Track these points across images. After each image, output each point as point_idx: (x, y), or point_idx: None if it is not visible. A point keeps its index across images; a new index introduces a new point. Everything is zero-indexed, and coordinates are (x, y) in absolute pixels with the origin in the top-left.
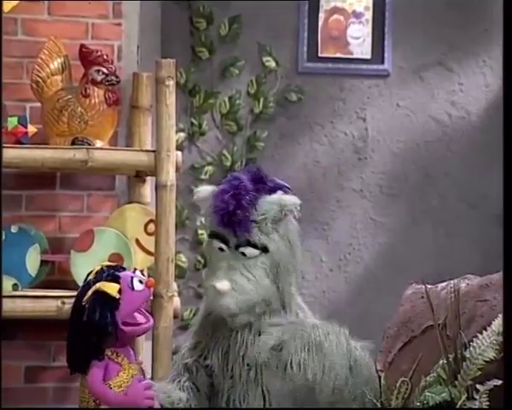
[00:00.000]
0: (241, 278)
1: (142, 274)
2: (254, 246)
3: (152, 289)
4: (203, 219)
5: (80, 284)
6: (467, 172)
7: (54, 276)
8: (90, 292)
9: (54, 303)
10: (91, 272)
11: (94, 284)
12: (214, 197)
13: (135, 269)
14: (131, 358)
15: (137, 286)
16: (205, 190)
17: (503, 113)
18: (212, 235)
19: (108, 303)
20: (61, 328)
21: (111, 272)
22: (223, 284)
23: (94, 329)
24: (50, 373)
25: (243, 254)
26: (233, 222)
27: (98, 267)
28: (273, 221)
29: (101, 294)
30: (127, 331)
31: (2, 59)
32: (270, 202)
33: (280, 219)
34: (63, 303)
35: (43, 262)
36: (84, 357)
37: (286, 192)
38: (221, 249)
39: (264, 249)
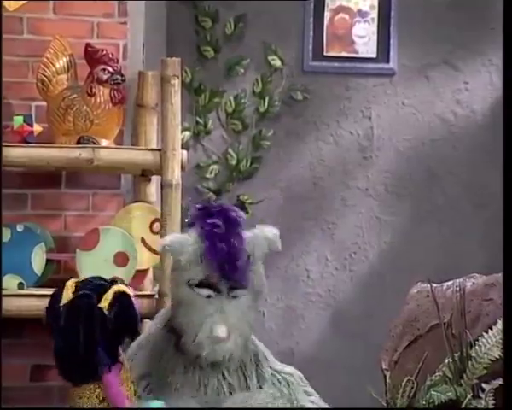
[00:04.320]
0: (238, 322)
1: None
2: (245, 287)
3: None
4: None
5: None
6: (472, 170)
7: (59, 275)
8: (109, 296)
9: None
10: (58, 291)
11: (96, 293)
12: (207, 248)
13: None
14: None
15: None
16: (177, 240)
17: (504, 113)
18: (203, 284)
19: (132, 302)
20: None
21: (110, 280)
22: (223, 331)
23: (123, 330)
24: (56, 372)
25: (234, 297)
26: (233, 269)
27: (73, 284)
28: (260, 258)
29: (124, 296)
30: None
31: (1, 59)
32: (258, 241)
33: (264, 256)
34: None
35: (48, 261)
36: (101, 363)
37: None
38: (208, 296)
39: (246, 287)
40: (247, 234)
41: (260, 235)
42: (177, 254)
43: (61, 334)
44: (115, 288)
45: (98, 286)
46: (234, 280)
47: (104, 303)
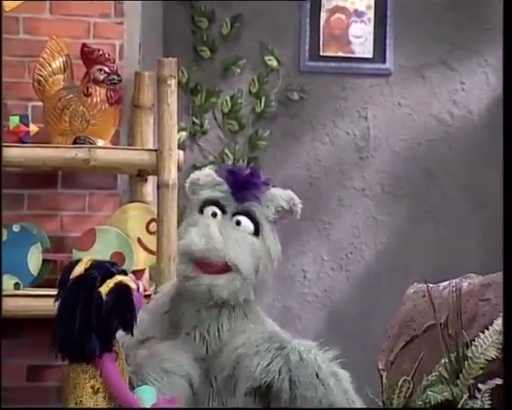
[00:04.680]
0: (238, 246)
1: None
2: (251, 219)
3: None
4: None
5: None
6: (469, 170)
7: (55, 275)
8: (111, 283)
9: None
10: (75, 263)
11: (102, 276)
12: (227, 167)
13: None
14: (120, 346)
15: (141, 288)
16: (207, 171)
17: (504, 112)
18: (208, 202)
19: (131, 297)
20: None
21: (120, 269)
22: (215, 232)
23: (117, 320)
24: (52, 372)
25: (238, 223)
26: (243, 188)
27: (88, 262)
28: (276, 212)
29: (125, 288)
30: None
31: (1, 59)
32: (280, 194)
33: (282, 215)
34: None
35: (44, 261)
36: (91, 344)
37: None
38: (214, 215)
39: (256, 232)
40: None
41: (286, 192)
42: (195, 182)
43: (62, 305)
44: (119, 278)
45: (106, 271)
46: (242, 200)
47: (104, 288)
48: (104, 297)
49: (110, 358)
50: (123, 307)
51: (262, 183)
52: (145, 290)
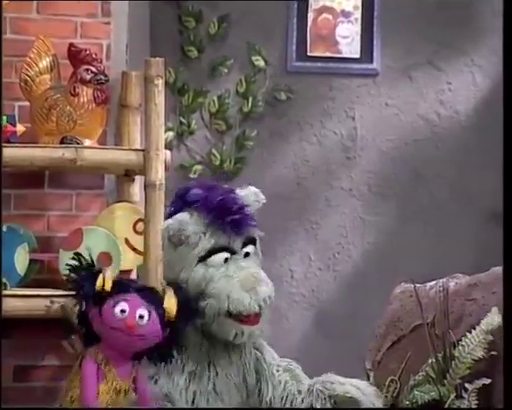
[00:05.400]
0: (263, 273)
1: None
2: (253, 241)
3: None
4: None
5: None
6: (456, 171)
7: (42, 275)
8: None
9: (43, 302)
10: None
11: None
12: (209, 210)
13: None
14: (123, 373)
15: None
16: (178, 220)
17: (504, 112)
18: (215, 251)
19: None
20: (50, 327)
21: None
22: (249, 275)
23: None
24: (39, 372)
25: (247, 254)
26: (241, 221)
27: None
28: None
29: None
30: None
31: (1, 59)
32: (249, 195)
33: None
34: (52, 302)
35: (31, 261)
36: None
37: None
38: (226, 260)
39: (254, 242)
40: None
41: (250, 190)
42: (182, 233)
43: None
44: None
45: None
46: (244, 232)
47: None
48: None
49: (91, 359)
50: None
51: (245, 204)
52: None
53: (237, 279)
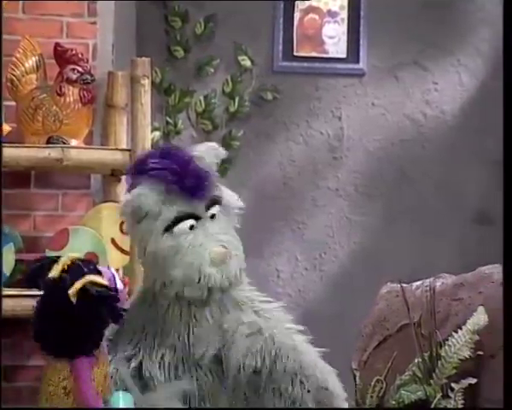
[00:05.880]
0: (232, 238)
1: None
2: (217, 201)
3: (127, 288)
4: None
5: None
6: (442, 170)
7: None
8: (78, 286)
9: (28, 302)
10: (53, 261)
11: (75, 277)
12: (168, 179)
13: (108, 266)
14: (106, 353)
15: (120, 285)
16: (135, 194)
17: (504, 112)
18: (180, 219)
19: (100, 296)
20: None
21: (92, 268)
22: (220, 250)
23: (88, 324)
24: (25, 373)
25: (212, 216)
26: (201, 183)
27: (68, 261)
28: (214, 169)
29: (93, 287)
30: None
31: (1, 59)
32: (206, 152)
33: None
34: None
35: (17, 261)
36: (66, 349)
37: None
38: (191, 227)
39: (219, 202)
40: (191, 150)
41: (206, 145)
42: (142, 207)
43: (38, 305)
44: (89, 278)
45: (78, 272)
46: (206, 194)
47: (73, 291)
48: (73, 300)
49: (85, 362)
50: (90, 310)
51: (204, 164)
52: (125, 283)
53: (208, 252)
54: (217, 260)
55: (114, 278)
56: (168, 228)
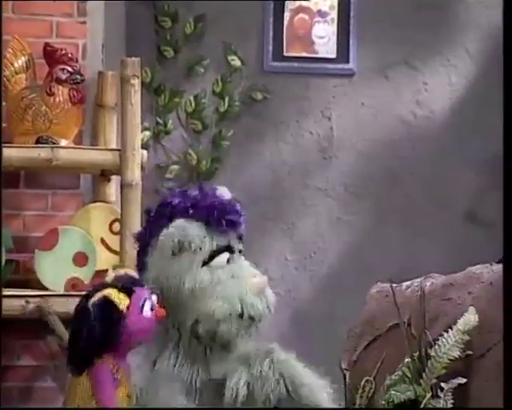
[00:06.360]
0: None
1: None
2: (241, 238)
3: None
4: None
5: (45, 283)
6: (432, 171)
7: (18, 275)
8: (97, 295)
9: (18, 302)
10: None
11: (96, 289)
12: (210, 211)
13: (150, 290)
14: (128, 374)
15: (146, 312)
16: (179, 225)
17: (504, 112)
18: (218, 251)
19: (113, 314)
20: (26, 327)
21: (126, 284)
22: (259, 279)
23: (94, 335)
24: (15, 373)
25: (240, 251)
26: (236, 218)
27: (119, 273)
28: None
29: (108, 301)
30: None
31: (1, 58)
32: (226, 192)
33: None
34: (27, 302)
35: (7, 261)
36: (82, 358)
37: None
38: (228, 261)
39: (242, 237)
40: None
41: (222, 188)
42: (185, 240)
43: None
44: (106, 292)
45: (102, 284)
46: (239, 230)
47: (92, 301)
48: (91, 309)
49: (104, 366)
50: (102, 320)
51: (233, 200)
52: (156, 313)
53: (247, 282)
54: (257, 289)
55: (144, 301)
56: (205, 262)
